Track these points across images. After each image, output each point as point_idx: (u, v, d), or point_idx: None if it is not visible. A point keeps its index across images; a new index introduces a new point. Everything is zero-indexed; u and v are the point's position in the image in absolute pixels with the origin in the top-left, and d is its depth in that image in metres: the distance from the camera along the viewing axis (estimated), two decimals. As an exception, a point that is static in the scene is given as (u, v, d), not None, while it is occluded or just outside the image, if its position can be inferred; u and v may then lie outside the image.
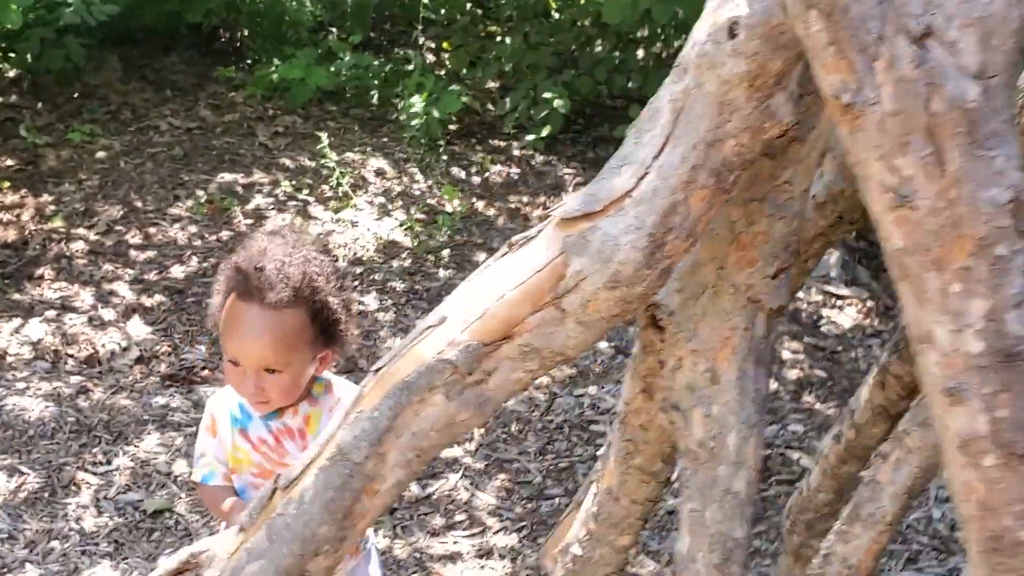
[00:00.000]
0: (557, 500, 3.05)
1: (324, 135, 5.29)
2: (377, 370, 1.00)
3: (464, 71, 6.74)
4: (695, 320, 1.08)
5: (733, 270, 1.05)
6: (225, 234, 4.67)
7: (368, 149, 5.78)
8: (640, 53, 6.62)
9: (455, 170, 5.70)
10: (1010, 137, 0.70)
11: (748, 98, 0.86)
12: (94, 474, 3.05)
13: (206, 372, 3.64)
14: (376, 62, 6.68)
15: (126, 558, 2.72)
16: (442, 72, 6.68)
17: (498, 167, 5.83)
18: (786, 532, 2.05)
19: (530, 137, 6.05)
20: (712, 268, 1.05)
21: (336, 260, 1.64)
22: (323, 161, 5.34)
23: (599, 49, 6.45)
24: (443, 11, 6.98)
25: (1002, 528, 0.74)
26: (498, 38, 6.72)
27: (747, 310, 1.07)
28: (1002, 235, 0.71)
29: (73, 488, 3.07)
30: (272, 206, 5.01)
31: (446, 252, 4.69)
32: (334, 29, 6.98)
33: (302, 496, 0.98)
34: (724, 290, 1.06)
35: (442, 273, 4.58)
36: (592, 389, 3.55)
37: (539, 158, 6.01)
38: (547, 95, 5.99)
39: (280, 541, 0.98)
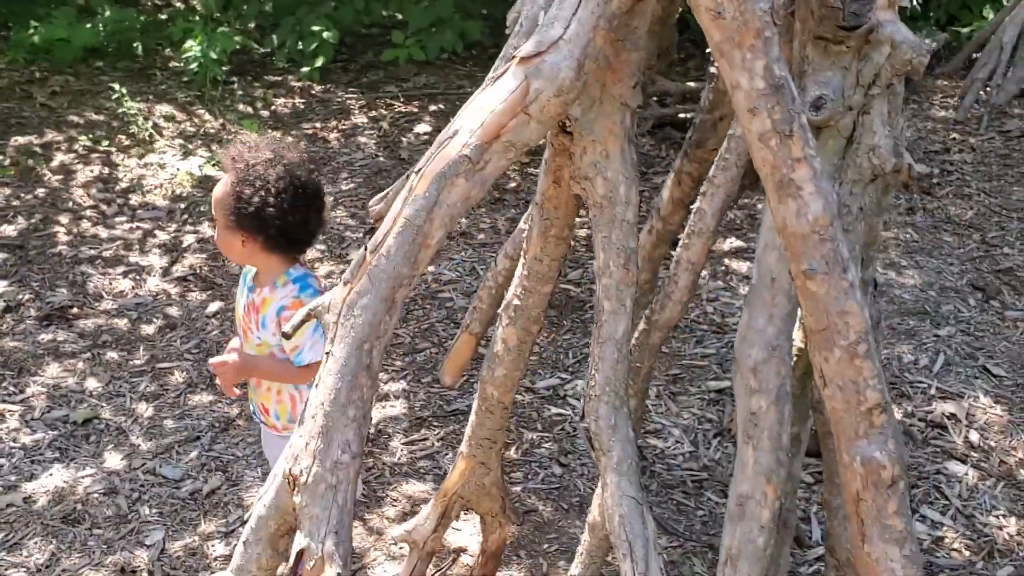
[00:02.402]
0: (427, 351, 3.69)
1: (117, 85, 5.47)
2: (419, 170, 1.61)
3: (217, 14, 6.97)
4: (591, 121, 1.76)
5: (611, 86, 1.74)
6: (41, 191, 4.86)
7: (150, 98, 5.99)
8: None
9: (241, 107, 6.05)
10: (764, -24, 1.43)
11: (623, -26, 1.54)
12: (13, 403, 3.37)
13: (75, 310, 3.95)
14: (135, 14, 6.77)
15: (73, 459, 3.11)
16: (195, 18, 6.88)
17: (281, 100, 6.23)
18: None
19: (305, 69, 6.46)
20: (598, 87, 1.73)
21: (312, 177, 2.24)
22: (119, 111, 5.52)
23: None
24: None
25: (780, 174, 1.48)
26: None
27: (620, 110, 1.76)
28: (767, 25, 1.44)
29: (-2, 418, 3.32)
30: (77, 161, 5.21)
31: (260, 179, 5.08)
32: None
33: (388, 251, 1.58)
34: (607, 100, 1.75)
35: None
36: (431, 268, 4.20)
37: (317, 88, 6.46)
38: (315, 28, 6.40)
39: (378, 280, 1.58)
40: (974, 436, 3.14)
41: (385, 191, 2.27)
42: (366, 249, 1.62)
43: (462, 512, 2.31)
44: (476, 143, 1.60)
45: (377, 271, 1.60)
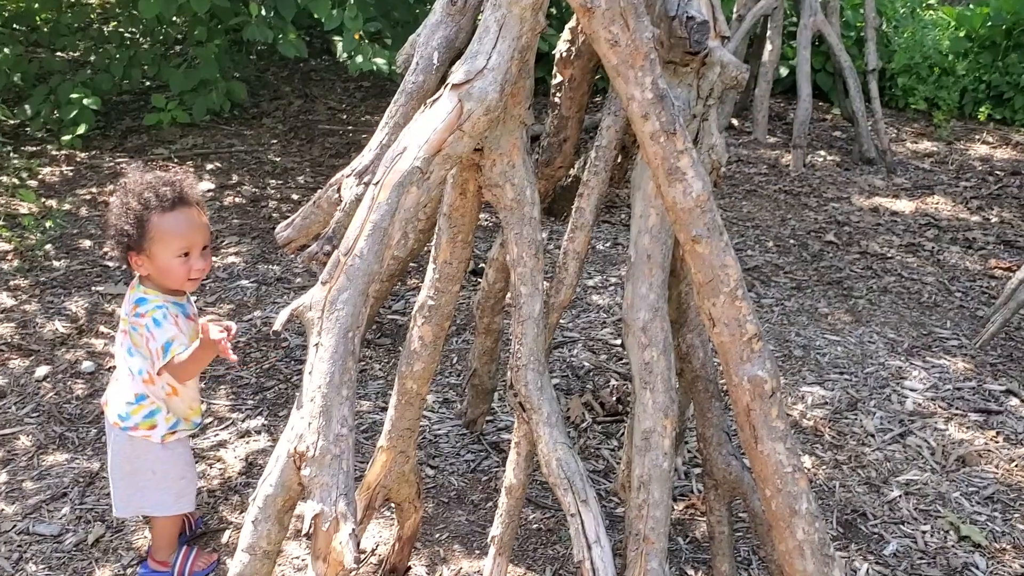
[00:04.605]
0: (276, 388, 3.81)
1: None
2: (377, 182, 1.90)
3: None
4: (497, 138, 2.13)
5: (511, 108, 2.12)
6: None
7: (-98, 175, 5.64)
8: (146, 46, 7.11)
9: (5, 179, 5.83)
10: (644, 10, 1.87)
11: (532, 14, 1.93)
12: None
13: None
14: None
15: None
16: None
17: (48, 169, 6.06)
18: (477, 317, 3.19)
19: (66, 137, 6.32)
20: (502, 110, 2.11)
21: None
22: None
23: (110, 47, 6.85)
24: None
25: (668, 164, 1.92)
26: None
27: (519, 127, 2.15)
28: (651, 50, 1.88)
29: None
30: None
31: (49, 246, 5.00)
32: None
33: (361, 251, 1.85)
34: (509, 120, 2.13)
35: (57, 264, 4.92)
36: (257, 312, 4.34)
37: (82, 155, 6.33)
38: (74, 96, 6.29)
39: (355, 277, 1.85)
40: (762, 397, 3.77)
41: (290, 219, 2.51)
42: (338, 251, 1.89)
43: (385, 501, 2.55)
44: (424, 156, 1.92)
45: (353, 269, 1.87)
